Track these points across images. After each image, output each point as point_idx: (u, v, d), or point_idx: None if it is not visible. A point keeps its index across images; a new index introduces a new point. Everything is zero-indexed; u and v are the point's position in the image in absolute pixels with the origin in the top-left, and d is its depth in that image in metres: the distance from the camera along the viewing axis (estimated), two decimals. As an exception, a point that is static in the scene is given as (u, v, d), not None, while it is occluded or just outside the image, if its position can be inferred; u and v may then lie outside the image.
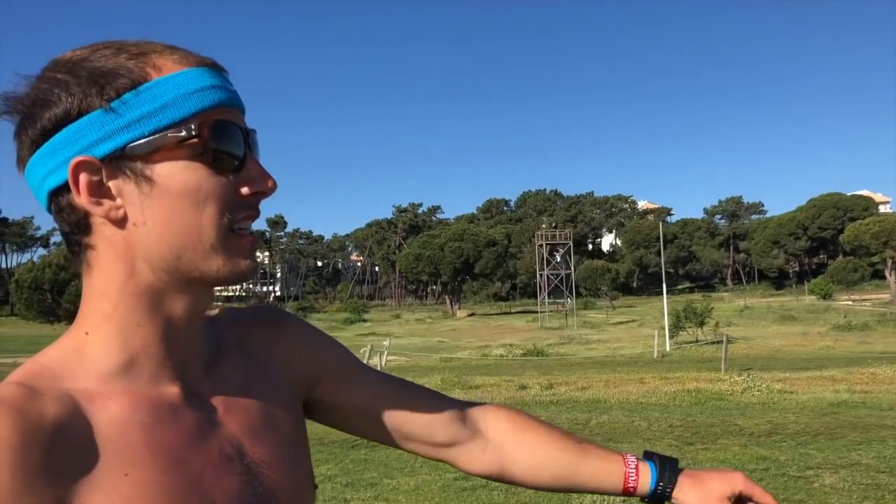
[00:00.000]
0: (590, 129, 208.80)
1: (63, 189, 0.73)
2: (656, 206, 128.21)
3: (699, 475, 1.08)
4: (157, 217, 0.72)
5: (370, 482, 7.74)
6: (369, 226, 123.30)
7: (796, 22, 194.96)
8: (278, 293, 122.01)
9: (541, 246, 69.47)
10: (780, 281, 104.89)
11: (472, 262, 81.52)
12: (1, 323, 76.80)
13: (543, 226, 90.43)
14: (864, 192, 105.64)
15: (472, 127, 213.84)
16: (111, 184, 0.72)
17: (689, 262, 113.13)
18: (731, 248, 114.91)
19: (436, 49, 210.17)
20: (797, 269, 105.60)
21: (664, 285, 33.02)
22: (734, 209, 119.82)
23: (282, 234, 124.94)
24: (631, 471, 1.06)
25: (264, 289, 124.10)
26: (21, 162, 0.75)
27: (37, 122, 0.72)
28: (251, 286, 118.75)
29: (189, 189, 0.72)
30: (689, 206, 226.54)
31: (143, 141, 0.71)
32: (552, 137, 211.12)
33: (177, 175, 0.72)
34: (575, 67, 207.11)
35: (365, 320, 68.34)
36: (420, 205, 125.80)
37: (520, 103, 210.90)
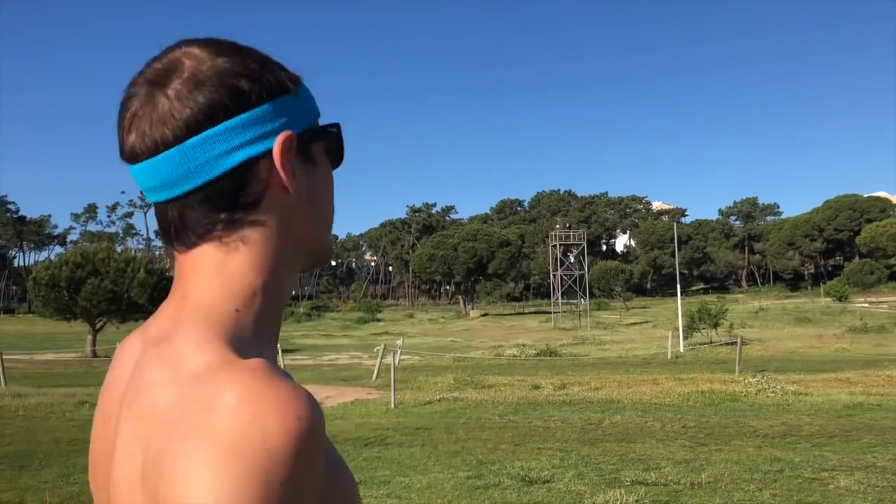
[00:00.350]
0: (604, 129, 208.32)
1: (252, 161, 0.72)
2: (671, 207, 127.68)
3: None
4: (314, 198, 0.79)
5: (383, 480, 7.76)
6: (383, 225, 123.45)
7: (812, 22, 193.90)
8: (293, 292, 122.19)
9: (554, 246, 69.30)
10: (795, 283, 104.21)
11: (485, 262, 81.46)
12: (19, 320, 77.48)
13: (557, 226, 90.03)
14: (882, 194, 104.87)
15: (486, 127, 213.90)
16: (295, 161, 0.75)
17: (703, 263, 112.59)
18: (746, 249, 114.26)
19: (449, 47, 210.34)
20: (812, 270, 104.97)
21: (678, 286, 32.86)
22: (749, 210, 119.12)
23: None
24: None
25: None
26: (193, 127, 0.71)
27: (234, 91, 0.71)
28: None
29: (329, 178, 0.82)
30: (703, 207, 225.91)
31: (314, 127, 0.79)
32: (566, 138, 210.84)
33: (323, 164, 0.80)
34: (588, 66, 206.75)
35: (378, 320, 68.46)
36: (434, 205, 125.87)
37: (533, 103, 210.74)
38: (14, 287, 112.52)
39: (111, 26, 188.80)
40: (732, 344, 24.15)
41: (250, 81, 0.72)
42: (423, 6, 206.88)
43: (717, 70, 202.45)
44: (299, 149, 0.76)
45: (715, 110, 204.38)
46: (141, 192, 0.76)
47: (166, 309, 0.76)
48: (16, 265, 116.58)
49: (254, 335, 0.72)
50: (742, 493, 7.01)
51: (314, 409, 0.62)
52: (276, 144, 0.72)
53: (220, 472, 0.57)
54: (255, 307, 0.73)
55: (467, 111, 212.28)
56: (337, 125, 0.82)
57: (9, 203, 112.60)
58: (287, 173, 0.73)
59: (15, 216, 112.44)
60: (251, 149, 0.72)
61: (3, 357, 20.03)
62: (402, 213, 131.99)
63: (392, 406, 13.90)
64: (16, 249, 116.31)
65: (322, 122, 0.82)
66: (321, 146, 0.80)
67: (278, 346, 0.90)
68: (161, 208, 0.75)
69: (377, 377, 19.63)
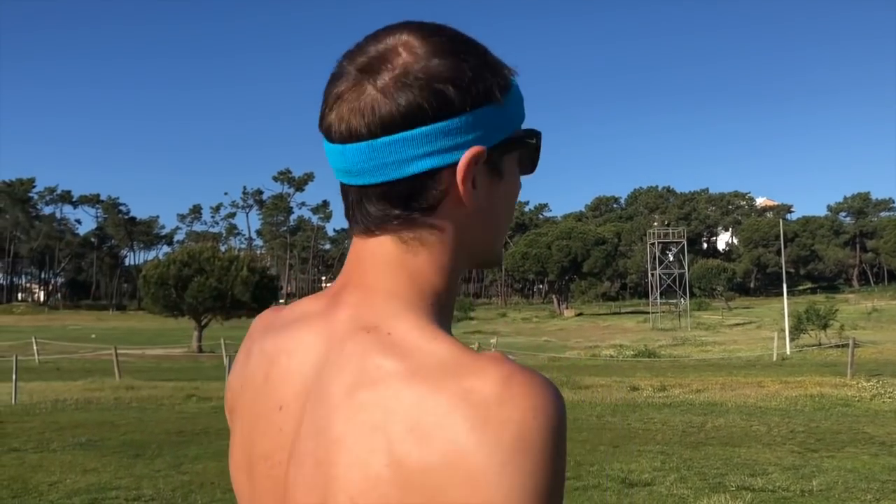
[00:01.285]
0: (704, 122, 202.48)
1: (435, 171, 0.71)
2: (775, 204, 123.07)
3: None
4: (493, 208, 0.77)
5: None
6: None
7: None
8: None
9: (652, 244, 67.86)
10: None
11: (580, 260, 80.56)
12: (130, 317, 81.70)
13: (655, 224, 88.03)
14: None
15: (580, 122, 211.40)
16: (480, 173, 0.74)
17: (810, 261, 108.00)
18: (858, 247, 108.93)
19: (545, 46, 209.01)
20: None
21: (784, 286, 31.61)
22: (861, 206, 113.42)
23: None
24: None
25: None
26: (390, 125, 0.70)
27: (439, 98, 0.70)
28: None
29: (515, 189, 0.80)
30: (810, 203, 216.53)
31: (510, 139, 0.76)
32: (664, 132, 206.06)
33: (512, 175, 0.78)
34: (687, 60, 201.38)
35: (471, 318, 68.65)
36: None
37: (630, 97, 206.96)
38: (125, 285, 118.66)
39: (212, 28, 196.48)
40: (843, 346, 23.05)
41: (457, 90, 0.70)
42: (528, 5, 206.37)
43: (825, 60, 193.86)
44: (489, 161, 0.74)
45: (822, 101, 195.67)
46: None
47: (344, 295, 0.75)
48: (127, 264, 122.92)
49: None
50: (858, 503, 6.66)
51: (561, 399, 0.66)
52: (463, 159, 0.71)
53: (519, 467, 0.59)
54: (440, 305, 0.74)
55: (559, 106, 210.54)
56: (537, 134, 0.80)
57: (120, 205, 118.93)
58: (466, 189, 0.72)
59: (126, 217, 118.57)
60: (438, 159, 0.71)
61: (118, 351, 21.13)
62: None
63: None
64: (127, 249, 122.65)
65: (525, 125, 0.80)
66: (515, 156, 0.78)
67: None
68: (344, 187, 0.76)
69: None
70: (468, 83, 0.71)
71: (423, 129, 0.70)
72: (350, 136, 0.71)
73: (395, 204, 0.72)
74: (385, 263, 0.74)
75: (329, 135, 0.74)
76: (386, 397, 0.64)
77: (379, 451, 0.63)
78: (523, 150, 0.78)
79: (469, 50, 0.73)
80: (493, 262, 0.82)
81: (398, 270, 0.73)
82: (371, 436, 0.64)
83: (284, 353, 0.77)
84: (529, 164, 0.80)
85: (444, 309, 0.75)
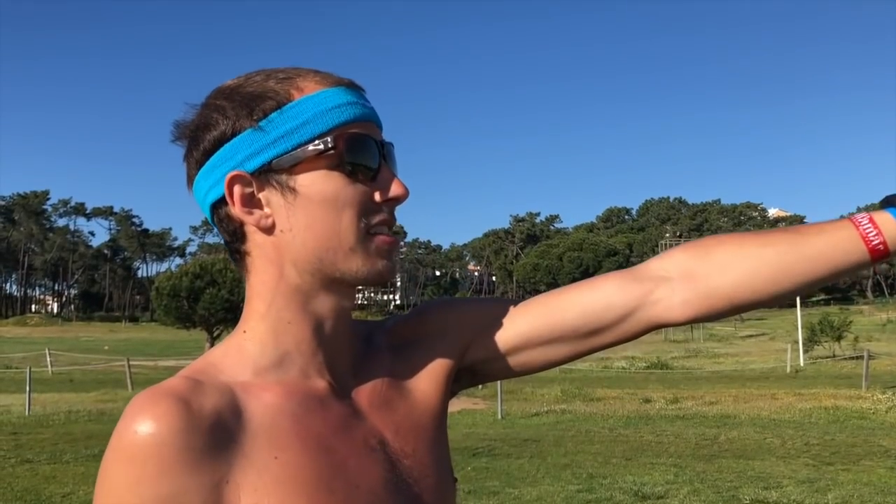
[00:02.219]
0: (715, 133, 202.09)
1: (221, 201, 0.81)
2: (788, 214, 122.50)
3: None
4: (302, 223, 0.79)
5: (492, 491, 7.72)
6: (486, 235, 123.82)
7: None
8: (398, 302, 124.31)
9: (664, 256, 67.62)
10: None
11: (591, 271, 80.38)
12: (142, 328, 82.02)
13: (667, 235, 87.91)
14: None
15: (590, 133, 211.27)
16: (261, 195, 0.79)
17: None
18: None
19: (551, 57, 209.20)
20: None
21: (797, 297, 31.38)
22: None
23: (402, 243, 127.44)
24: (867, 227, 0.83)
25: (385, 297, 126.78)
26: (190, 180, 0.84)
27: (200, 143, 0.81)
28: (372, 294, 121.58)
29: (328, 197, 0.79)
30: (823, 212, 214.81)
31: (286, 155, 0.78)
32: (675, 143, 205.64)
33: (317, 185, 0.79)
34: (698, 75, 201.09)
35: (483, 330, 68.47)
36: (538, 214, 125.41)
37: (639, 107, 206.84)
38: (138, 297, 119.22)
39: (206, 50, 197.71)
40: (858, 358, 22.86)
41: (206, 131, 0.80)
42: (524, 11, 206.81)
43: (837, 67, 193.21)
44: (273, 180, 0.79)
45: (832, 109, 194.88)
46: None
47: None
48: (139, 276, 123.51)
49: (271, 351, 0.81)
50: (874, 517, 6.59)
51: (168, 425, 0.70)
52: (224, 187, 0.79)
53: (96, 483, 0.72)
54: (263, 329, 0.81)
55: (570, 118, 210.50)
56: (339, 136, 0.79)
57: (133, 217, 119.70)
58: (244, 212, 0.79)
59: (139, 229, 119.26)
60: (214, 192, 0.81)
61: (130, 363, 21.20)
62: (505, 223, 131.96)
63: (499, 417, 13.86)
64: (140, 261, 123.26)
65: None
66: (322, 163, 0.79)
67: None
68: None
69: (483, 387, 19.61)
70: (214, 121, 0.80)
71: (201, 170, 0.82)
72: (189, 184, 0.85)
73: (224, 238, 0.84)
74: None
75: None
76: None
77: None
78: (331, 155, 0.78)
79: (219, 94, 0.82)
80: (349, 277, 0.81)
81: (246, 295, 0.84)
82: None
83: None
84: (358, 165, 0.79)
85: (275, 333, 0.81)
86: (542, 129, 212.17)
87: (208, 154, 0.80)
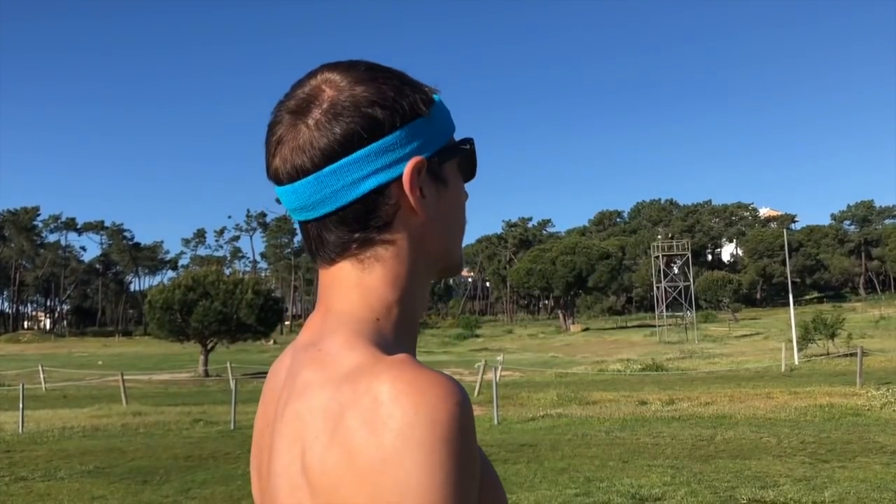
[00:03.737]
0: (705, 134, 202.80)
1: (383, 186, 0.77)
2: (779, 214, 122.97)
3: None
4: (444, 215, 0.82)
5: (489, 497, 7.70)
6: (479, 241, 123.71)
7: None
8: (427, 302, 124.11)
9: (657, 258, 67.71)
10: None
11: (584, 275, 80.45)
12: (136, 342, 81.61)
13: (659, 237, 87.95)
14: None
15: (581, 137, 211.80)
16: (424, 183, 0.80)
17: (816, 271, 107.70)
18: (863, 255, 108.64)
19: (539, 55, 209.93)
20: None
21: (791, 296, 31.49)
22: (865, 214, 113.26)
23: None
24: None
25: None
26: (327, 158, 0.76)
27: (368, 119, 0.76)
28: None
29: (461, 195, 0.85)
30: (814, 212, 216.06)
31: (445, 148, 0.82)
32: (666, 145, 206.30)
33: (453, 181, 0.84)
34: (687, 77, 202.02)
35: (477, 335, 68.51)
36: (530, 219, 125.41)
37: (629, 110, 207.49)
38: (131, 311, 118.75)
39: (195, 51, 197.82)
40: (852, 355, 22.92)
41: (384, 109, 0.77)
42: (526, 18, 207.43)
43: (825, 68, 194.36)
44: (430, 170, 0.80)
45: (822, 109, 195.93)
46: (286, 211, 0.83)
47: (312, 321, 0.82)
48: (132, 290, 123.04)
49: (395, 341, 0.77)
50: (871, 514, 6.60)
51: (466, 394, 0.66)
52: (406, 170, 0.77)
53: (402, 463, 0.61)
54: (393, 317, 0.79)
55: (561, 121, 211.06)
56: (470, 141, 0.86)
57: (125, 231, 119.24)
58: (415, 197, 0.78)
59: (131, 243, 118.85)
60: (383, 175, 0.77)
61: (124, 377, 21.11)
62: (497, 229, 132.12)
63: (495, 422, 13.84)
64: (132, 274, 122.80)
65: (457, 135, 0.87)
66: (454, 163, 0.84)
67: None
68: (304, 226, 0.82)
69: (479, 393, 19.61)
70: (392, 102, 0.77)
71: (363, 151, 0.76)
72: (297, 174, 0.77)
73: (353, 227, 0.78)
74: (343, 285, 0.80)
75: (278, 179, 0.80)
76: (302, 408, 0.70)
77: (296, 460, 0.69)
78: (461, 157, 0.85)
79: (386, 74, 0.80)
80: (454, 269, 0.87)
81: (352, 290, 0.79)
82: (292, 446, 0.70)
83: (273, 374, 0.85)
84: (469, 169, 0.87)
85: (402, 320, 0.80)
86: (533, 134, 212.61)
87: (377, 135, 0.76)
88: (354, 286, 0.79)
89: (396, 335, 0.78)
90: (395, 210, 0.78)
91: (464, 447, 0.63)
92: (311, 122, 0.76)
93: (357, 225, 0.78)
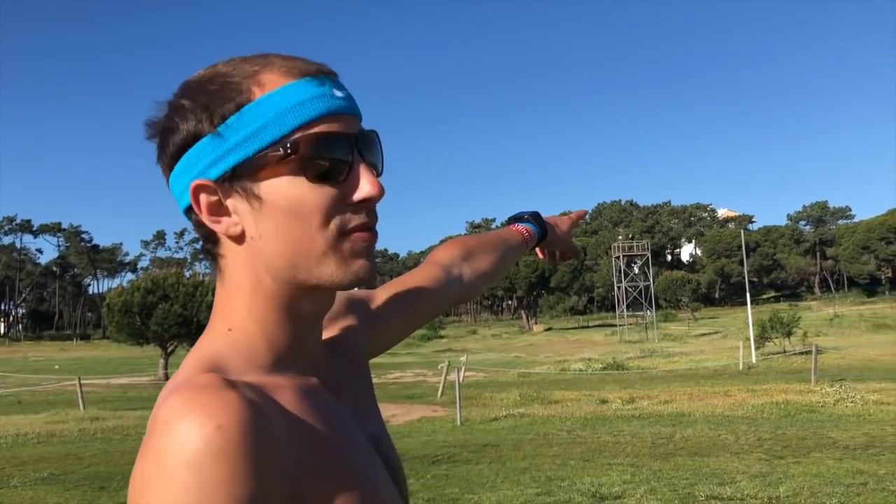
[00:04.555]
0: (665, 136, 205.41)
1: (192, 208, 0.78)
2: (737, 214, 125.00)
3: (554, 217, 1.54)
4: (271, 231, 0.76)
5: (451, 497, 7.72)
6: (442, 242, 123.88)
7: (869, 20, 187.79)
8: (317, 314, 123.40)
9: (617, 258, 68.47)
10: (872, 288, 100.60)
11: (547, 275, 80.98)
12: (94, 346, 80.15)
13: (620, 237, 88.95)
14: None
15: (543, 139, 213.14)
16: (228, 202, 0.76)
17: (773, 270, 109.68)
18: (818, 255, 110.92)
19: (503, 61, 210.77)
20: (890, 274, 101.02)
21: (748, 295, 32.05)
22: (820, 214, 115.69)
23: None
24: (519, 228, 1.41)
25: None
26: (167, 182, 0.81)
27: (166, 148, 0.78)
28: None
29: (294, 203, 0.75)
30: (771, 212, 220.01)
31: (247, 161, 0.75)
32: (626, 147, 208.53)
33: (282, 190, 0.75)
34: (645, 82, 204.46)
35: (441, 336, 68.54)
36: (493, 220, 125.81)
37: (591, 112, 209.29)
38: (89, 314, 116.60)
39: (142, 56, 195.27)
40: (807, 353, 23.39)
41: (172, 135, 0.78)
42: (483, 15, 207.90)
43: (781, 71, 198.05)
44: (232, 188, 0.76)
45: (778, 113, 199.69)
46: None
47: None
48: (90, 292, 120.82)
49: (251, 353, 0.77)
50: (824, 508, 6.75)
51: (244, 420, 0.63)
52: (190, 196, 0.77)
53: (149, 488, 0.61)
54: (248, 329, 0.78)
55: (524, 124, 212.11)
56: (301, 138, 0.75)
57: (83, 233, 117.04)
58: (210, 220, 0.77)
59: (89, 245, 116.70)
60: (183, 199, 0.79)
61: (81, 382, 20.71)
62: (461, 230, 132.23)
63: (458, 423, 13.86)
64: (90, 277, 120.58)
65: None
66: (285, 169, 0.75)
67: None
68: None
69: (442, 394, 19.61)
70: (172, 128, 0.77)
71: (171, 176, 0.79)
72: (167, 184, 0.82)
73: (198, 235, 0.82)
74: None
75: None
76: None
77: None
78: (295, 159, 0.74)
79: (184, 93, 0.78)
80: (321, 281, 0.78)
81: (216, 297, 0.82)
82: None
83: None
84: (324, 168, 0.75)
85: (261, 333, 0.78)
86: (496, 134, 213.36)
87: (175, 158, 0.78)
88: (217, 294, 0.82)
89: (254, 347, 0.77)
90: (212, 230, 0.78)
91: (218, 474, 0.61)
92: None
93: (199, 235, 0.81)
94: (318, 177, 0.75)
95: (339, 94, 0.78)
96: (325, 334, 0.95)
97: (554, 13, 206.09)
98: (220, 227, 0.77)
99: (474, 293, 1.31)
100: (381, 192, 0.78)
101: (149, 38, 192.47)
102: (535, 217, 1.45)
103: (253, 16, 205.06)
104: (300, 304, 0.79)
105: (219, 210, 0.77)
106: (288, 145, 0.74)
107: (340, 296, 1.05)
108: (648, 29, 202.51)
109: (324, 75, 0.78)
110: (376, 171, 0.81)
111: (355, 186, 0.77)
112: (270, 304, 0.78)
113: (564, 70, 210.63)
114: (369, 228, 0.78)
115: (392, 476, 0.85)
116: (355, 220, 0.77)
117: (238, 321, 0.78)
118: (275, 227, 0.75)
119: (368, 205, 0.78)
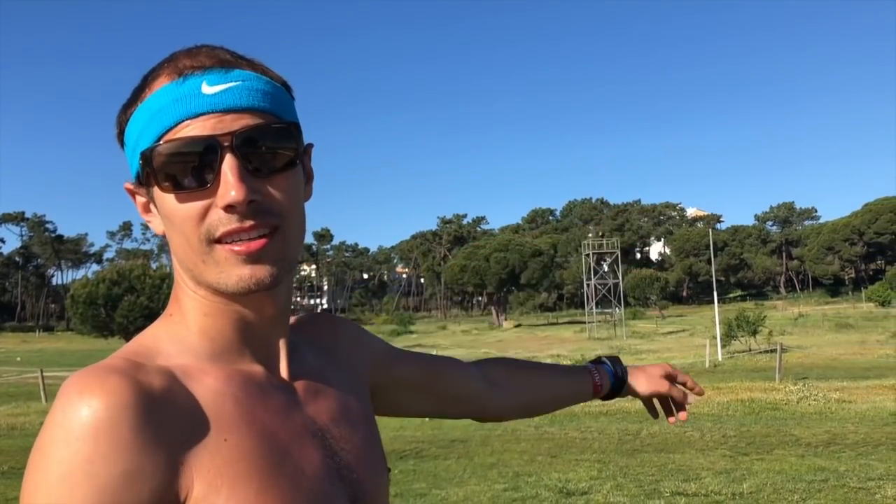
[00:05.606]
0: (636, 135, 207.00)
1: None
2: (705, 214, 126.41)
3: (641, 366, 1.40)
4: (169, 235, 0.80)
5: (419, 493, 7.72)
6: (414, 238, 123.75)
7: (842, 27, 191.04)
8: (325, 305, 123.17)
9: (587, 255, 68.84)
10: (835, 288, 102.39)
11: (517, 272, 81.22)
12: (58, 338, 78.93)
13: (590, 235, 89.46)
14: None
15: (515, 136, 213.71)
16: (152, 204, 0.81)
17: (740, 269, 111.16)
18: (784, 255, 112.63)
19: (475, 56, 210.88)
20: (853, 275, 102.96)
21: (715, 294, 32.46)
22: (786, 215, 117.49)
23: (328, 247, 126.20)
24: (595, 375, 1.32)
25: (311, 301, 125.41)
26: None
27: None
28: (298, 298, 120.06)
29: (168, 213, 0.77)
30: (739, 212, 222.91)
31: (138, 171, 0.79)
32: (597, 145, 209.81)
33: (160, 199, 0.77)
34: (617, 71, 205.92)
35: (411, 332, 68.51)
36: (464, 216, 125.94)
37: (562, 110, 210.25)
38: (53, 305, 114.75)
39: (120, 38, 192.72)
40: (772, 352, 23.76)
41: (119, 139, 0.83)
42: (447, 13, 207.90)
43: (750, 73, 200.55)
44: (149, 191, 0.80)
45: (748, 115, 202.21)
46: None
47: None
48: (54, 284, 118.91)
49: (200, 339, 0.79)
50: (786, 504, 6.85)
51: (117, 404, 0.66)
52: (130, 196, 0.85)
53: (31, 457, 0.68)
54: (190, 318, 0.81)
55: (496, 121, 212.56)
56: (150, 152, 0.74)
57: (47, 223, 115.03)
58: (144, 218, 0.83)
59: (53, 235, 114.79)
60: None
61: (44, 374, 20.38)
62: (432, 225, 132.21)
63: (427, 418, 13.85)
64: (54, 268, 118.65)
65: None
66: (153, 181, 0.77)
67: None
68: None
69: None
70: (120, 129, 0.81)
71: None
72: None
73: None
74: None
75: None
76: None
77: None
78: (150, 175, 0.76)
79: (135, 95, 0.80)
80: (210, 285, 0.78)
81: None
82: None
83: None
84: (167, 181, 0.75)
85: (195, 321, 0.80)
86: (468, 130, 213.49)
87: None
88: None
89: (189, 333, 0.80)
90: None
91: (80, 452, 0.64)
92: None
93: None
94: (174, 187, 0.74)
95: (210, 90, 0.73)
96: (330, 343, 0.99)
97: (525, 11, 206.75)
98: (152, 225, 0.83)
99: (504, 416, 1.26)
100: (243, 197, 0.72)
101: (116, 21, 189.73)
102: (615, 360, 1.40)
103: (229, 12, 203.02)
104: (223, 300, 0.79)
105: (146, 210, 0.82)
106: (144, 158, 0.75)
107: (364, 329, 1.10)
108: (620, 28, 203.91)
109: (194, 72, 0.74)
110: (267, 170, 0.75)
111: (219, 193, 0.73)
112: (197, 298, 0.80)
113: (536, 67, 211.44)
114: (242, 233, 0.74)
115: (340, 476, 0.84)
116: (222, 227, 0.73)
117: (178, 309, 0.82)
118: (169, 233, 0.79)
119: (238, 210, 0.73)
